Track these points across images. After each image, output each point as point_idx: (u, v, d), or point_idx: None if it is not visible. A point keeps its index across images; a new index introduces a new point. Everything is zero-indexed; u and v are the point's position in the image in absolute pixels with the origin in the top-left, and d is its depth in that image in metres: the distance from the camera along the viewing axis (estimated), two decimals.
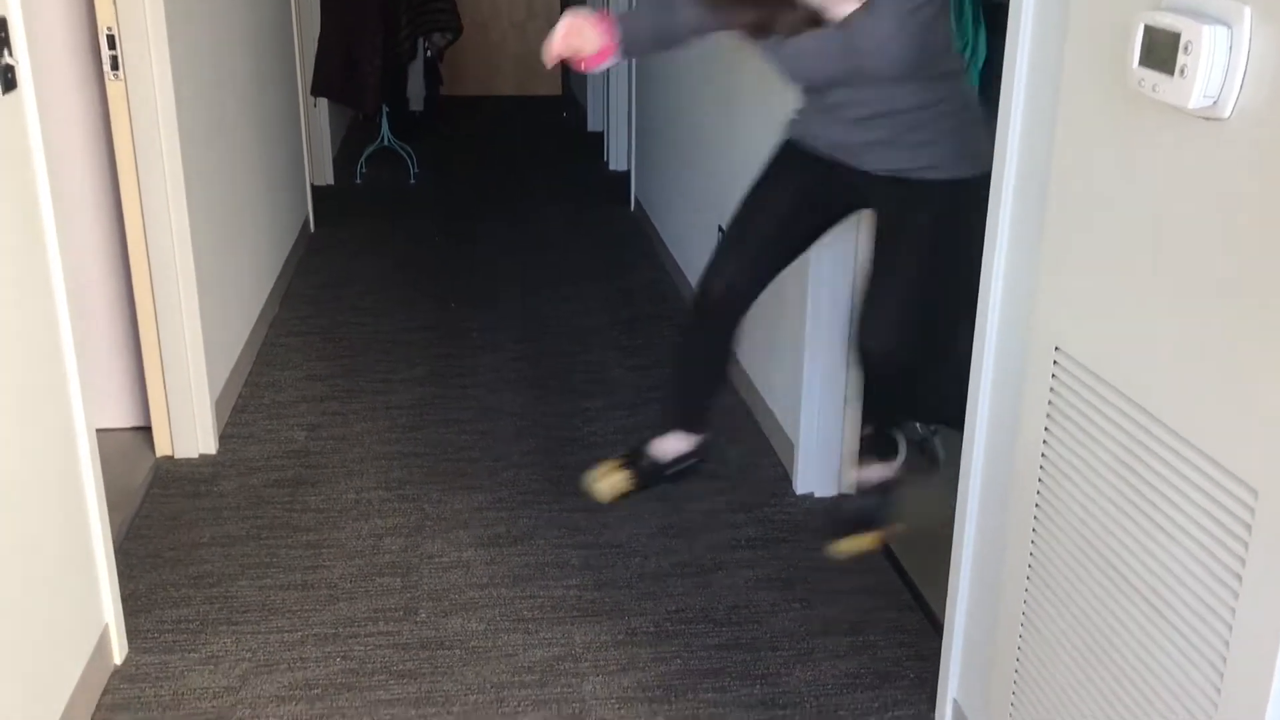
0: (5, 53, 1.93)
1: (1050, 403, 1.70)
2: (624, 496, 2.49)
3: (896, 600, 2.56)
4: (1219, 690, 1.34)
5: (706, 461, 2.56)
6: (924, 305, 2.17)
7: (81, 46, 2.90)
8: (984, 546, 1.98)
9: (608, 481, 2.48)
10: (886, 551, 2.73)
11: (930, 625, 2.41)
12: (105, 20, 2.79)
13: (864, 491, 2.49)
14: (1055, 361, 1.68)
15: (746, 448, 3.21)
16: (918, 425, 3.09)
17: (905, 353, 2.18)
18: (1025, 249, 1.80)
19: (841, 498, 2.49)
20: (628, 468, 2.50)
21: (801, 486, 2.98)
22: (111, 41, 2.81)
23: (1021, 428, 1.79)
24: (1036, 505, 1.75)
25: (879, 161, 2.15)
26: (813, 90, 2.21)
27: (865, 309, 2.23)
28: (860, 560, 2.69)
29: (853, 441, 2.94)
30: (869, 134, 2.14)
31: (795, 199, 2.27)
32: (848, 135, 2.16)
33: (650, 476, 2.50)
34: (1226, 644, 1.33)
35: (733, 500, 2.91)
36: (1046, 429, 1.71)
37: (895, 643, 2.40)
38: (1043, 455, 1.73)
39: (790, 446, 3.02)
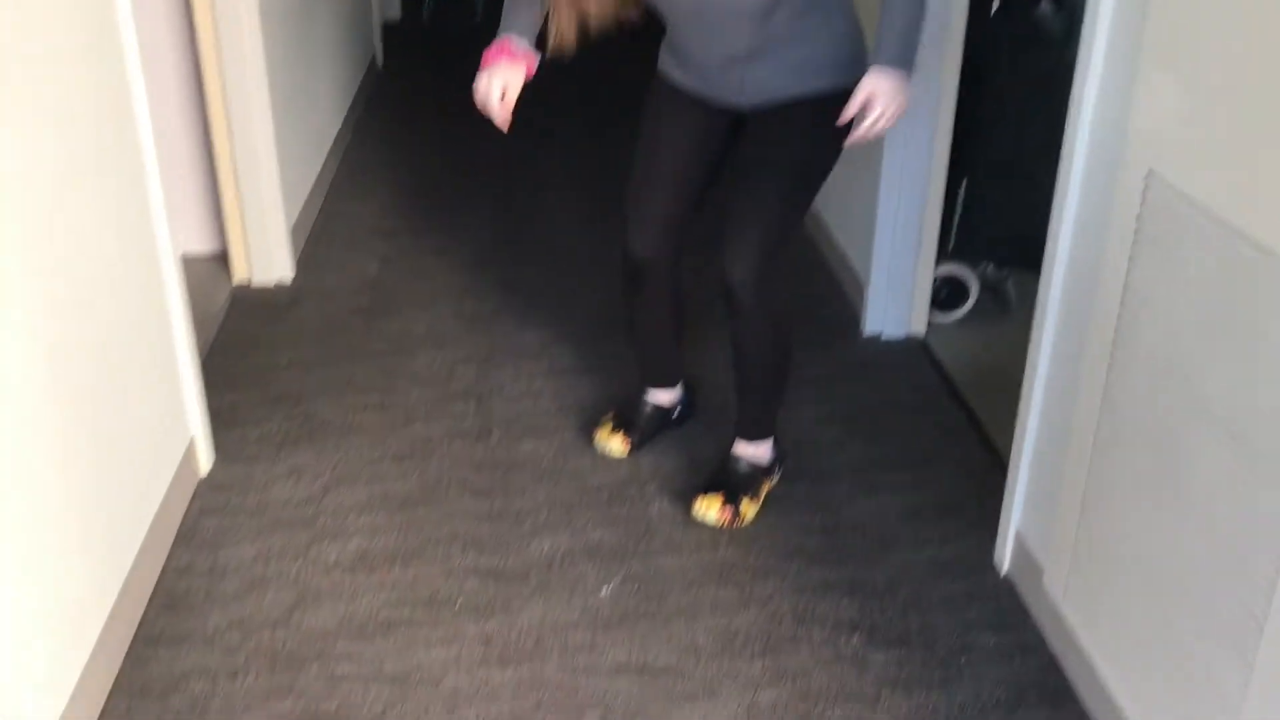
0: None
1: (1137, 230, 1.66)
2: (635, 450, 2.46)
3: (962, 438, 2.56)
4: None
5: (693, 407, 2.57)
6: (783, 228, 2.07)
7: None
8: (1056, 377, 1.96)
9: (611, 443, 2.44)
10: (953, 392, 2.73)
11: (995, 463, 2.42)
12: None
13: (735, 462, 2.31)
14: (1146, 186, 1.63)
15: (814, 286, 3.18)
16: (990, 267, 3.05)
17: (770, 287, 2.08)
18: (1119, 68, 1.73)
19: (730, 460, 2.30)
20: (621, 427, 2.46)
21: (870, 327, 2.96)
22: None
23: (1105, 254, 1.75)
24: (1115, 333, 1.73)
25: (756, 93, 2.05)
26: (680, 29, 2.06)
27: (726, 236, 2.07)
28: (927, 400, 2.70)
29: (925, 281, 2.91)
30: (742, 70, 2.03)
31: (687, 138, 2.16)
32: (723, 74, 2.05)
33: (649, 427, 2.49)
34: None
35: (799, 338, 2.84)
36: (1131, 256, 1.68)
37: (959, 479, 2.41)
38: (1125, 283, 1.69)
39: (860, 285, 2.99)
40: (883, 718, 1.83)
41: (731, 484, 2.27)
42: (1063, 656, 1.93)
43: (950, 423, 2.62)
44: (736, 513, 2.24)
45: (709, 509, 2.24)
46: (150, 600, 2.04)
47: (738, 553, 2.19)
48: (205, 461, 2.40)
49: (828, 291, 3.18)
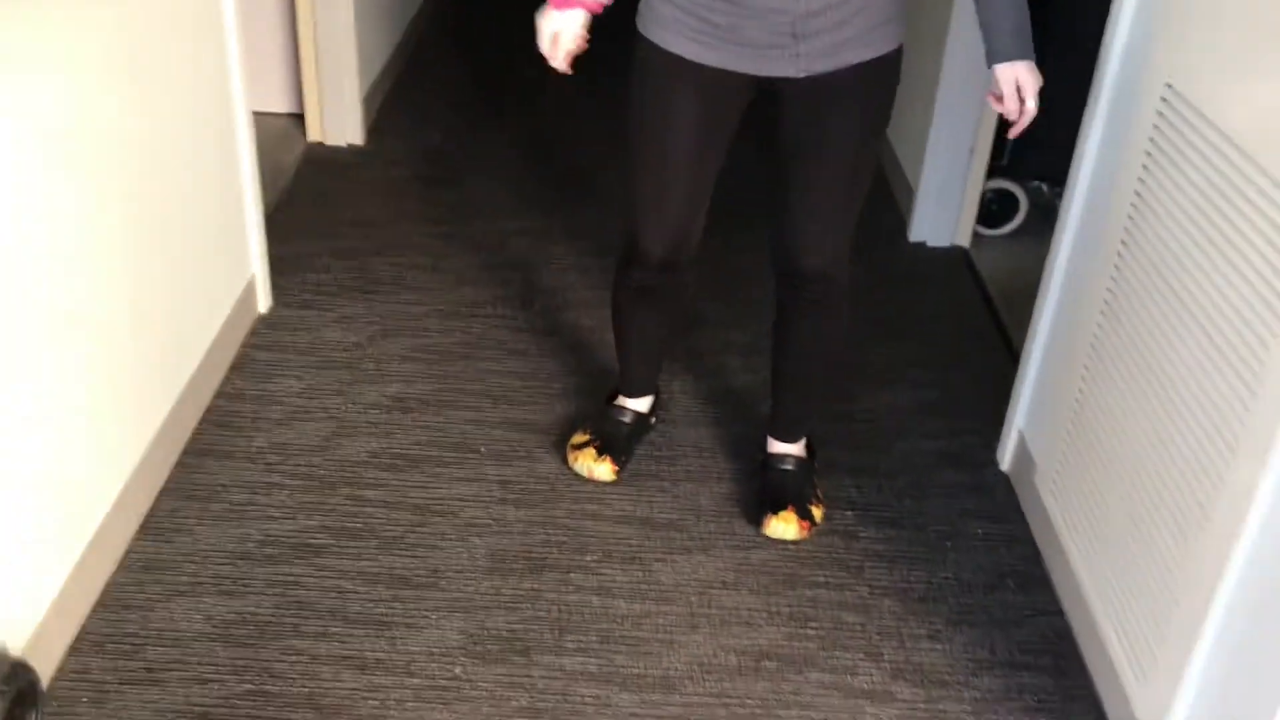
0: None
1: (1152, 139, 1.72)
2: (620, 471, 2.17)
3: (987, 343, 2.64)
4: (1247, 407, 1.43)
5: (659, 420, 2.29)
6: (857, 206, 1.89)
7: None
8: (1070, 283, 2.03)
9: (599, 469, 2.14)
10: (986, 300, 2.78)
11: (1014, 368, 2.45)
12: None
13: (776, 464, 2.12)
14: (1164, 99, 1.69)
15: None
16: (1043, 186, 3.07)
17: (843, 266, 1.93)
18: None
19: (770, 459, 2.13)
20: (606, 451, 2.15)
21: (916, 234, 3.01)
22: None
23: (1121, 165, 1.81)
24: (1123, 242, 1.80)
25: (813, 58, 1.72)
26: None
27: (795, 224, 1.88)
28: (960, 307, 2.76)
29: (975, 192, 2.94)
30: (811, 26, 1.69)
31: (703, 125, 1.82)
32: (775, 36, 1.70)
33: (632, 442, 2.20)
34: (1263, 364, 1.40)
35: None
36: (1144, 166, 1.74)
37: (978, 380, 2.50)
38: (1136, 194, 1.76)
39: (910, 191, 3.03)
40: (863, 587, 1.95)
41: (793, 492, 2.08)
42: (1044, 549, 2.02)
43: (979, 328, 2.69)
44: (813, 521, 2.07)
45: (787, 528, 2.04)
46: (202, 418, 2.22)
47: (751, 429, 2.28)
48: (263, 300, 2.57)
49: (878, 195, 3.18)
